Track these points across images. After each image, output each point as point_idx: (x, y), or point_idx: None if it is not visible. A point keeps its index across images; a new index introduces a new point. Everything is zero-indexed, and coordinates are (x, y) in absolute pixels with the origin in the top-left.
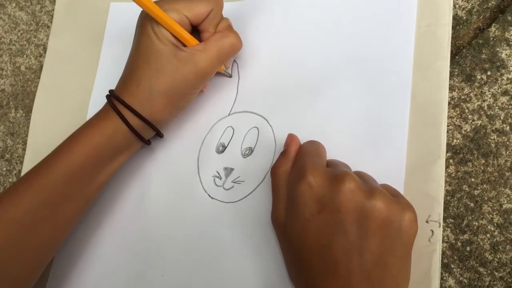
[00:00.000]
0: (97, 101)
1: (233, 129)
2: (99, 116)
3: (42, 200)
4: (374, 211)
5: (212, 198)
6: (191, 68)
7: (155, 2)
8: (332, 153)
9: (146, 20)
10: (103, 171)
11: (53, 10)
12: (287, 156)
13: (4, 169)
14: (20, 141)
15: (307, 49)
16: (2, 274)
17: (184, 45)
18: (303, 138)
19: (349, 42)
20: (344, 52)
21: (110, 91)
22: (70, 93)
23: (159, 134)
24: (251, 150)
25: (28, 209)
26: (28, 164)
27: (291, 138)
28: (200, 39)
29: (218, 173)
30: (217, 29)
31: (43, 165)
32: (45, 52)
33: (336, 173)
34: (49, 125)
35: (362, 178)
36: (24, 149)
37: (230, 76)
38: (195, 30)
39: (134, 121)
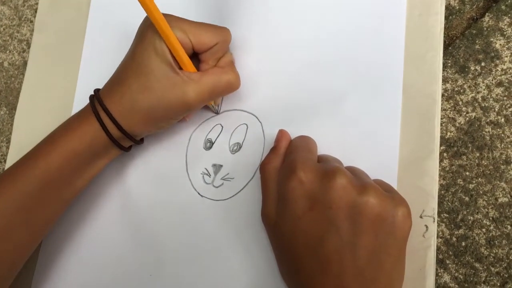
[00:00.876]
0: (82, 99)
1: (222, 126)
2: (80, 118)
3: (17, 205)
4: (367, 207)
5: (202, 196)
6: (179, 95)
7: (164, 15)
8: (324, 149)
9: (149, 31)
10: (81, 177)
11: (36, 4)
12: (277, 151)
13: None
14: (4, 139)
15: (296, 43)
16: None
17: (180, 68)
18: (293, 133)
19: (339, 35)
20: (334, 45)
21: (95, 91)
22: (55, 90)
23: (137, 143)
24: (239, 146)
25: (2, 214)
26: (11, 163)
27: (281, 133)
28: (197, 68)
29: (206, 170)
30: (218, 63)
31: (18, 168)
32: (28, 48)
33: (327, 168)
34: (33, 123)
35: (354, 173)
36: (8, 147)
37: (217, 113)
38: (195, 57)
39: (113, 130)
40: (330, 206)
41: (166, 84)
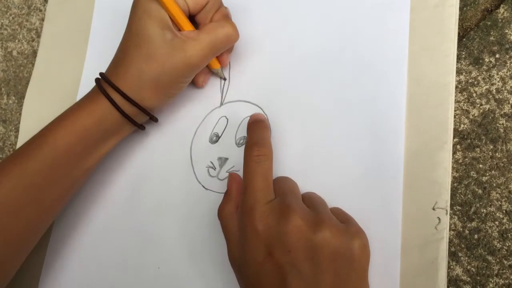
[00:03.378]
0: (87, 86)
1: (227, 119)
2: (88, 98)
3: (26, 183)
4: (323, 246)
5: (206, 189)
6: (181, 56)
7: None
8: (329, 139)
9: (140, 0)
10: (91, 155)
11: None
12: (229, 195)
13: None
14: (13, 128)
15: (300, 35)
16: None
17: (179, 31)
18: (297, 125)
19: (344, 27)
20: (339, 36)
21: (101, 74)
22: (64, 80)
23: (152, 119)
24: (245, 139)
25: (12, 192)
26: None
27: (232, 177)
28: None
29: (212, 163)
30: (213, 18)
31: (29, 146)
32: (37, 37)
33: (281, 208)
34: (41, 112)
35: (311, 202)
36: (16, 136)
37: (224, 79)
38: (193, 22)
39: (124, 106)
40: (289, 250)
41: (167, 48)
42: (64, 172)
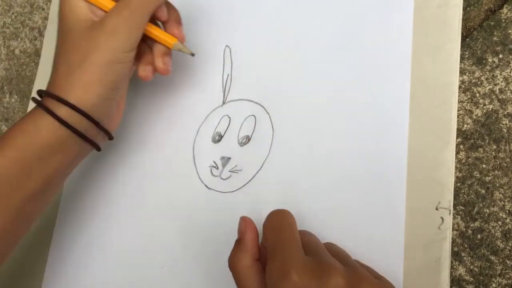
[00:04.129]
0: None
1: (230, 118)
2: (25, 116)
3: None
4: None
5: (209, 188)
6: (101, 34)
7: None
8: (332, 138)
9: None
10: (31, 177)
11: None
12: (244, 246)
13: None
14: None
15: (303, 34)
16: None
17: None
18: (301, 123)
19: (347, 26)
20: (342, 35)
21: (39, 91)
22: None
23: (95, 123)
24: (248, 139)
25: None
26: None
27: (245, 223)
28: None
29: (214, 163)
30: None
31: None
32: (40, 35)
33: (319, 266)
34: None
35: (342, 260)
36: None
37: (192, 54)
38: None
39: (61, 111)
40: None
41: (89, 33)
42: (3, 198)
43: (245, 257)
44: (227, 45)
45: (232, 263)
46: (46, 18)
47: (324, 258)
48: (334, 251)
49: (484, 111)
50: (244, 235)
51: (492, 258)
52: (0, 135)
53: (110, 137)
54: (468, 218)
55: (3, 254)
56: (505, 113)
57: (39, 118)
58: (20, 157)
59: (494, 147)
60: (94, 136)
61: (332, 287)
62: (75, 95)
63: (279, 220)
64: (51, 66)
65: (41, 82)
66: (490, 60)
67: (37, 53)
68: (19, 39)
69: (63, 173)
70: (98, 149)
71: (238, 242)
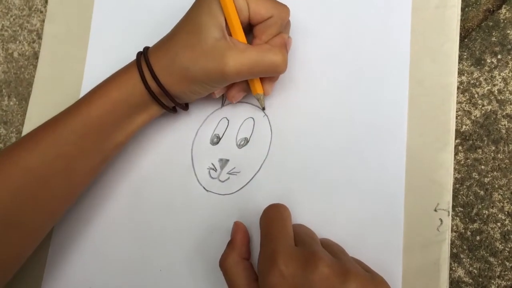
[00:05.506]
0: (90, 85)
1: (228, 120)
2: (123, 70)
3: (58, 150)
4: None
5: (207, 191)
6: (218, 60)
7: None
8: (331, 140)
9: None
10: (120, 129)
11: None
12: (234, 245)
13: None
14: (14, 130)
15: (301, 36)
16: (15, 220)
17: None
18: (299, 125)
19: (345, 27)
20: (340, 37)
21: (145, 48)
22: (67, 81)
23: (176, 104)
24: (246, 141)
25: (43, 158)
26: None
27: (236, 226)
28: (249, 43)
29: (213, 165)
30: (270, 42)
31: (62, 116)
32: (38, 38)
33: (306, 255)
34: (45, 114)
35: (331, 250)
36: (17, 138)
37: (263, 109)
38: (250, 33)
39: (152, 83)
40: None
41: (209, 46)
42: (94, 143)
43: (233, 254)
44: None
45: (222, 260)
46: (44, 21)
47: (312, 248)
48: (327, 244)
49: (483, 112)
50: (236, 235)
51: (491, 259)
52: None
53: (185, 109)
54: (467, 219)
55: (77, 195)
56: (504, 114)
57: (135, 82)
58: (113, 110)
59: (493, 148)
60: (169, 103)
61: (317, 276)
62: (166, 79)
63: (273, 212)
64: (49, 69)
65: (39, 84)
66: (488, 60)
67: (36, 56)
68: (18, 41)
69: (140, 129)
70: (175, 112)
71: (229, 243)
